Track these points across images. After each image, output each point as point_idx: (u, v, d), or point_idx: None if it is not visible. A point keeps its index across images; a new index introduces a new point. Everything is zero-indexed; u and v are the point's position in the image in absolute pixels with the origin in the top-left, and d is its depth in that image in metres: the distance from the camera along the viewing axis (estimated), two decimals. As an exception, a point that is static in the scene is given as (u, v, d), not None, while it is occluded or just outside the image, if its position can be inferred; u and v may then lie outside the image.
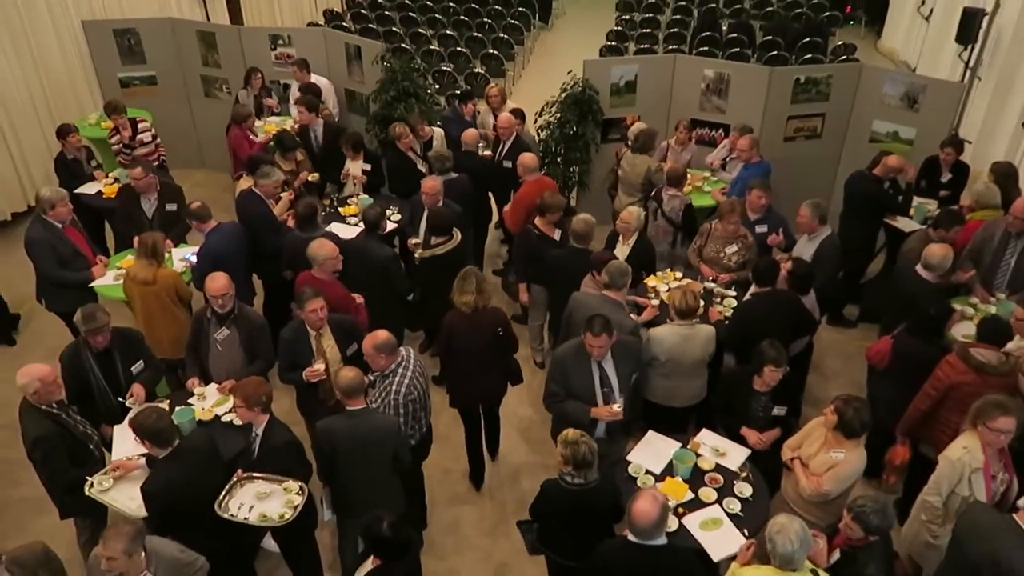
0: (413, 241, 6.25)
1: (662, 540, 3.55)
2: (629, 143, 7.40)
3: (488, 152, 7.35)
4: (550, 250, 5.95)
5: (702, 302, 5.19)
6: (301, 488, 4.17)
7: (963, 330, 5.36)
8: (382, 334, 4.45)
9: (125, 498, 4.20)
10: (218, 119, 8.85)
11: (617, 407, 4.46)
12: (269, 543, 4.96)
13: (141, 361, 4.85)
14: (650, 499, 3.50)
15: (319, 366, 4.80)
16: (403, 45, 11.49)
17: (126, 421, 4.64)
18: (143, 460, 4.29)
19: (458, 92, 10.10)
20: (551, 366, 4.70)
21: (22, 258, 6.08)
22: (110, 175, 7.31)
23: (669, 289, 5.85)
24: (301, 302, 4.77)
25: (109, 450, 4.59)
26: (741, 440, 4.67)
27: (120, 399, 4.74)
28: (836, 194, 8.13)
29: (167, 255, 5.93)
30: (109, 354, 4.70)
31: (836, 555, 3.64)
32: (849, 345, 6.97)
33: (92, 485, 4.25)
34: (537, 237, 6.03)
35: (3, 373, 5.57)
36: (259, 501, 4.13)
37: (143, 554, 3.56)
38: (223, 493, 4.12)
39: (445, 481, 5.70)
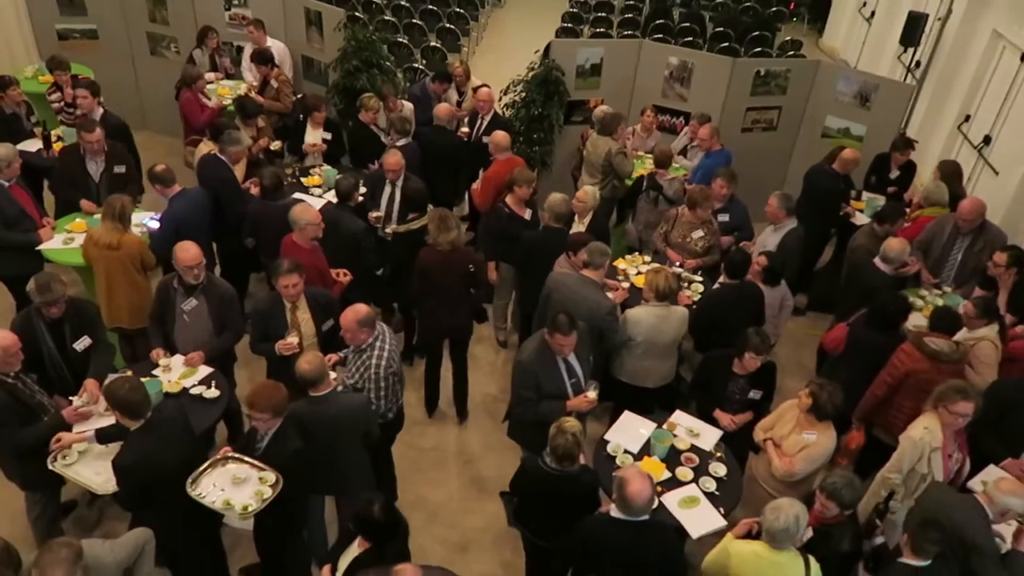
0: (375, 215, 6.14)
1: (645, 516, 3.64)
2: (593, 124, 7.45)
3: (465, 129, 7.24)
4: (521, 230, 5.95)
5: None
6: (277, 480, 3.97)
7: (914, 320, 5.63)
8: (363, 308, 4.38)
9: (90, 472, 4.03)
10: (164, 80, 8.48)
11: (592, 394, 4.52)
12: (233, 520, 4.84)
13: (87, 337, 4.57)
14: (642, 478, 3.58)
15: (292, 339, 4.69)
16: (356, 14, 11.19)
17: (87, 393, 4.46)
18: (90, 434, 4.09)
19: (418, 67, 10.00)
20: (518, 375, 4.63)
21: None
22: (53, 133, 6.89)
23: (639, 272, 5.98)
24: (276, 274, 4.63)
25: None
26: (713, 422, 4.81)
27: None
28: (787, 186, 8.34)
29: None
30: (60, 324, 4.47)
31: (809, 533, 3.80)
32: (798, 332, 7.23)
33: (55, 459, 4.05)
34: (508, 216, 6.02)
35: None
36: (232, 485, 3.95)
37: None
38: (203, 468, 3.96)
39: (409, 457, 5.66)
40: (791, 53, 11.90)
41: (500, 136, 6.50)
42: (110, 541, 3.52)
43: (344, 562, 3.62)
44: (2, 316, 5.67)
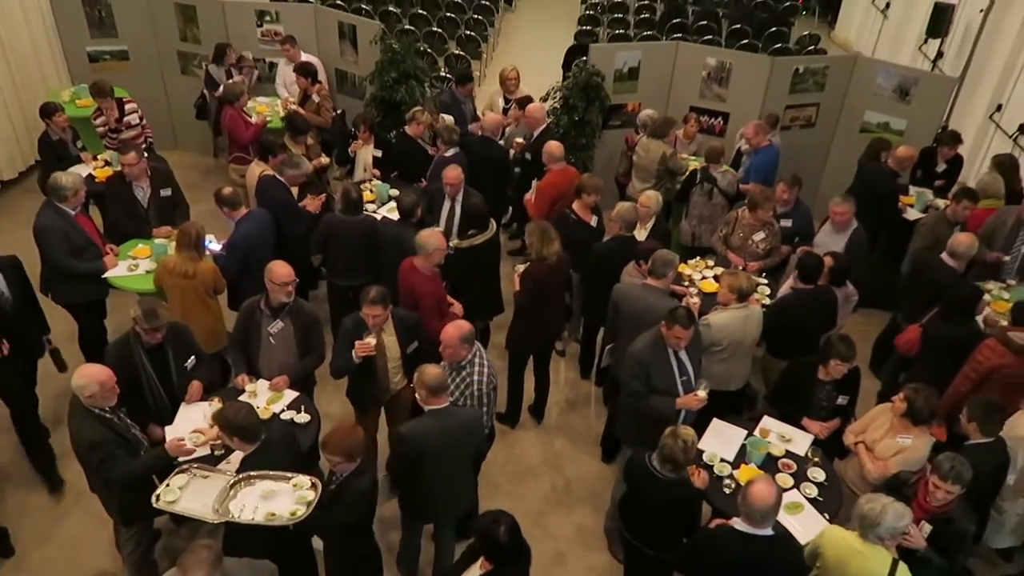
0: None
1: (769, 530, 3.63)
2: (639, 129, 7.45)
3: (520, 140, 7.21)
4: (586, 236, 5.94)
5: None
6: (313, 484, 3.92)
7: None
8: (465, 324, 4.37)
9: (198, 506, 3.98)
10: (195, 98, 8.44)
11: (703, 393, 4.51)
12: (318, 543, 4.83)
13: (194, 357, 4.61)
14: (768, 482, 3.58)
15: (371, 340, 4.60)
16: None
17: (178, 422, 4.45)
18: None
19: (443, 75, 9.97)
20: (629, 366, 4.65)
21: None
22: (99, 157, 6.85)
23: (703, 277, 5.97)
24: (362, 300, 4.59)
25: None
26: (800, 428, 4.80)
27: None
28: (825, 181, 8.46)
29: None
30: (161, 349, 4.44)
31: (927, 528, 3.79)
32: (851, 328, 7.18)
33: (159, 498, 3.99)
34: (574, 222, 6.01)
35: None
36: (264, 500, 3.89)
37: None
38: (223, 497, 3.88)
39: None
40: (811, 48, 11.90)
41: (553, 146, 6.48)
42: (246, 560, 3.55)
43: (465, 583, 3.59)
44: (64, 341, 5.64)
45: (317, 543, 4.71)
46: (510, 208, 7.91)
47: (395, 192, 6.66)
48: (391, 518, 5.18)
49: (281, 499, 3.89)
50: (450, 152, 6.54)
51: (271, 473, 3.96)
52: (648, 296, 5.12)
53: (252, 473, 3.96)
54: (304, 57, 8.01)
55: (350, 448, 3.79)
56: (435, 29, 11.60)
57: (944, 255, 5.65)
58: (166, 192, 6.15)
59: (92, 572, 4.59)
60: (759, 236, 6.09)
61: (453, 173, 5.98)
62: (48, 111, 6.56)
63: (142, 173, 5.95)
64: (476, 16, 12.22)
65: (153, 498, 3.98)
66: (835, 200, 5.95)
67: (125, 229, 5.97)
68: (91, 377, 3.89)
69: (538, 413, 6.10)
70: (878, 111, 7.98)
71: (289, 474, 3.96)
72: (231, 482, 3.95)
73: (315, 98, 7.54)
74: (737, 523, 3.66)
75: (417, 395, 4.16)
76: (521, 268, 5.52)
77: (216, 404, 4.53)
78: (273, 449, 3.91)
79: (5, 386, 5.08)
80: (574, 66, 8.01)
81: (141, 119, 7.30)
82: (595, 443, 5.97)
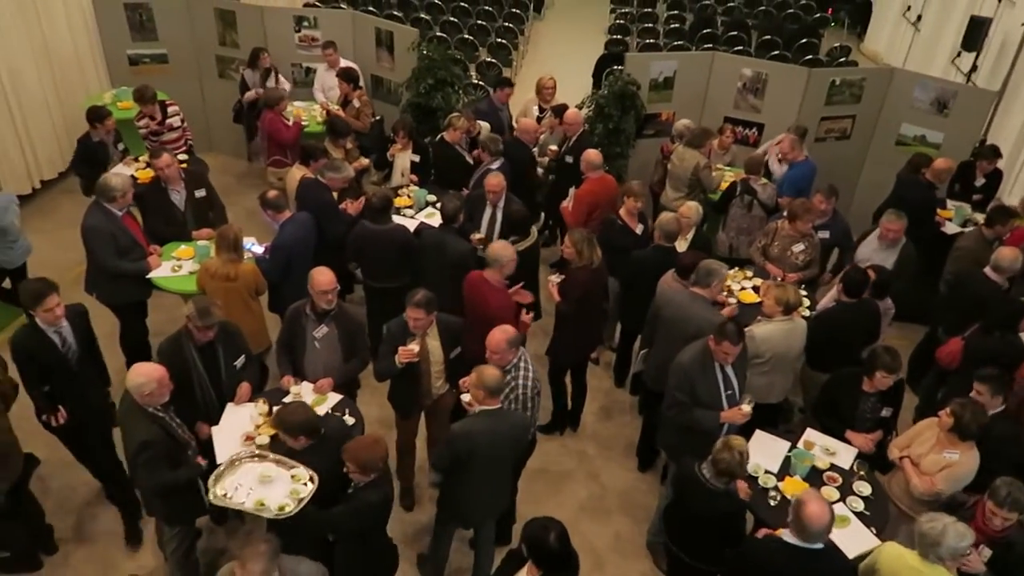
0: (477, 237, 6.14)
1: (820, 544, 3.61)
2: (674, 139, 7.45)
3: (554, 147, 7.24)
4: (630, 243, 5.94)
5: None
6: (311, 479, 3.92)
7: None
8: (511, 328, 4.38)
9: (252, 503, 3.97)
10: (231, 102, 8.55)
11: (747, 407, 4.49)
12: None
13: (243, 356, 4.66)
14: (821, 502, 3.55)
15: (414, 346, 4.63)
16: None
17: (224, 422, 4.49)
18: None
19: (476, 82, 10.02)
20: (675, 377, 4.62)
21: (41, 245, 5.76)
22: (140, 159, 6.94)
23: (743, 288, 5.96)
24: (407, 301, 4.61)
25: (203, 452, 4.37)
26: (843, 441, 4.78)
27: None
28: (859, 194, 8.41)
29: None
30: (212, 348, 4.49)
31: (986, 552, 3.76)
32: (887, 341, 7.16)
33: (212, 494, 4.00)
34: (619, 228, 6.02)
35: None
36: (261, 485, 3.92)
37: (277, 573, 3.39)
38: (223, 466, 3.92)
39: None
40: (842, 59, 11.87)
41: (592, 154, 6.49)
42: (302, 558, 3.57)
43: (512, 588, 3.59)
44: (105, 340, 5.67)
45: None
46: (541, 214, 7.93)
47: (432, 198, 6.71)
48: (416, 522, 5.23)
49: (277, 487, 3.91)
50: (496, 164, 6.54)
51: (277, 458, 4.00)
52: (692, 304, 5.11)
53: (257, 452, 4.03)
54: (344, 63, 8.09)
55: (365, 462, 3.78)
56: (466, 36, 11.66)
57: (987, 269, 5.62)
58: (200, 193, 6.21)
59: (132, 570, 4.69)
60: (798, 248, 6.07)
61: (495, 180, 6.01)
62: (100, 115, 6.64)
63: (176, 175, 5.99)
64: (507, 24, 12.28)
65: (209, 495, 4.00)
66: (889, 217, 5.89)
67: (164, 235, 5.99)
68: (148, 376, 3.94)
69: (574, 421, 6.10)
70: (915, 124, 7.94)
71: (292, 462, 3.97)
72: (233, 459, 4.00)
73: (356, 103, 7.60)
74: (786, 535, 3.65)
75: (471, 394, 4.19)
76: (555, 279, 5.52)
77: (262, 406, 4.58)
78: (331, 441, 3.97)
79: (80, 455, 4.93)
80: (610, 74, 8.04)
81: (183, 121, 7.38)
82: (630, 452, 5.97)
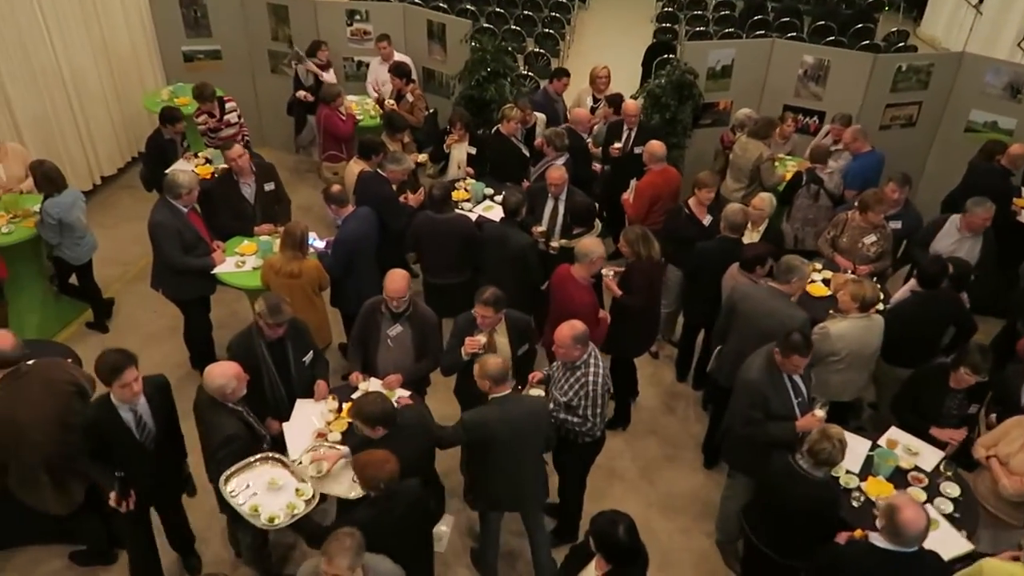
0: (539, 229, 6.06)
1: (913, 547, 3.47)
2: (734, 128, 7.29)
3: (618, 145, 7.11)
4: (697, 234, 5.83)
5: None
6: (313, 496, 3.89)
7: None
8: (579, 324, 4.29)
9: (247, 508, 3.88)
10: (284, 97, 8.57)
11: (820, 412, 4.34)
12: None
13: (311, 352, 4.65)
14: (916, 507, 3.42)
15: (481, 337, 4.60)
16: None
17: (294, 418, 4.49)
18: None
19: (525, 72, 9.92)
20: (745, 394, 4.43)
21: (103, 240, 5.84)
22: (200, 155, 6.99)
23: (812, 280, 5.79)
24: (476, 299, 4.56)
25: (274, 447, 4.36)
26: (926, 438, 4.61)
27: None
28: (925, 182, 8.14)
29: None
30: (282, 344, 4.49)
31: None
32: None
33: (222, 489, 3.96)
34: (686, 217, 5.92)
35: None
36: (267, 490, 3.89)
37: (361, 570, 3.36)
38: (241, 465, 3.91)
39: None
40: (899, 44, 11.52)
41: (656, 146, 6.35)
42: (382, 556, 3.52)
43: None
44: (168, 334, 5.74)
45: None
46: (597, 206, 7.81)
47: (490, 191, 6.65)
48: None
49: (280, 496, 3.89)
50: (560, 160, 6.43)
51: (294, 468, 4.00)
52: (771, 299, 4.96)
53: (275, 455, 4.03)
54: (397, 56, 8.05)
55: (368, 478, 3.68)
56: (513, 27, 11.56)
57: (1072, 261, 5.39)
58: (270, 186, 6.21)
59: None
60: (870, 239, 5.88)
61: (557, 173, 5.93)
62: (174, 118, 6.70)
63: (248, 167, 6.00)
64: (553, 14, 12.15)
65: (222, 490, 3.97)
66: (978, 205, 5.64)
67: (232, 230, 5.98)
68: (225, 375, 3.94)
69: (626, 421, 6.01)
70: (985, 110, 7.66)
71: (304, 475, 3.96)
72: (257, 457, 3.99)
73: (409, 97, 7.56)
74: (876, 539, 3.52)
75: (480, 387, 4.16)
76: (611, 273, 5.42)
77: (332, 402, 4.57)
78: (407, 430, 3.97)
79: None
80: (663, 64, 7.88)
81: (239, 117, 7.41)
82: (692, 448, 5.86)
